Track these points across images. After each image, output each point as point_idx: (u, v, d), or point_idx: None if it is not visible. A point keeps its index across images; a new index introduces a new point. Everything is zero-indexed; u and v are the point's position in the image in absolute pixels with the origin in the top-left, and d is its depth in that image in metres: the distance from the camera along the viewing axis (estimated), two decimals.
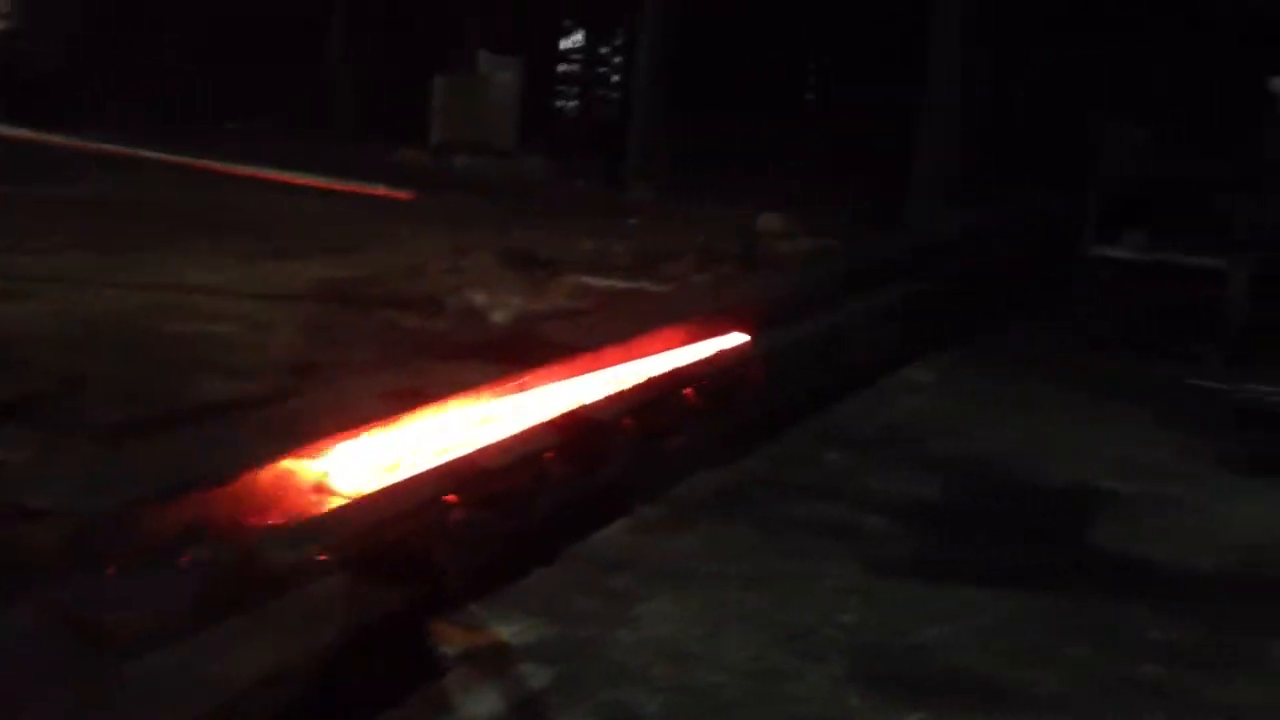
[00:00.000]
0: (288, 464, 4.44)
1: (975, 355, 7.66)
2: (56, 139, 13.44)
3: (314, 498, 4.26)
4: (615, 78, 23.35)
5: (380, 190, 12.77)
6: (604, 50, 23.99)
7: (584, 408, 5.40)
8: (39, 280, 6.76)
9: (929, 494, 5.16)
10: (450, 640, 3.49)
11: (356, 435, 4.77)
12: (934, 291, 9.48)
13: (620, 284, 9.34)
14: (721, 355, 6.55)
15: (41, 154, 12.89)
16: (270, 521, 4.03)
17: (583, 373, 6.09)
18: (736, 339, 7.02)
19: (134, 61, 19.22)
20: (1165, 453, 5.95)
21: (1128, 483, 5.46)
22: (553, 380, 5.89)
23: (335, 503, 4.19)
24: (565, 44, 23.84)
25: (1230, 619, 4.15)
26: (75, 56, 18.62)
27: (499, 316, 7.83)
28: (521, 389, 5.68)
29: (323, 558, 3.77)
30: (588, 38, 23.91)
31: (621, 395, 5.65)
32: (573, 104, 24.43)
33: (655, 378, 6.00)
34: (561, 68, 24.10)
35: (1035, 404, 6.69)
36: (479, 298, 8.18)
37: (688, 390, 6.03)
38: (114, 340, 6.27)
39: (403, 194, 12.54)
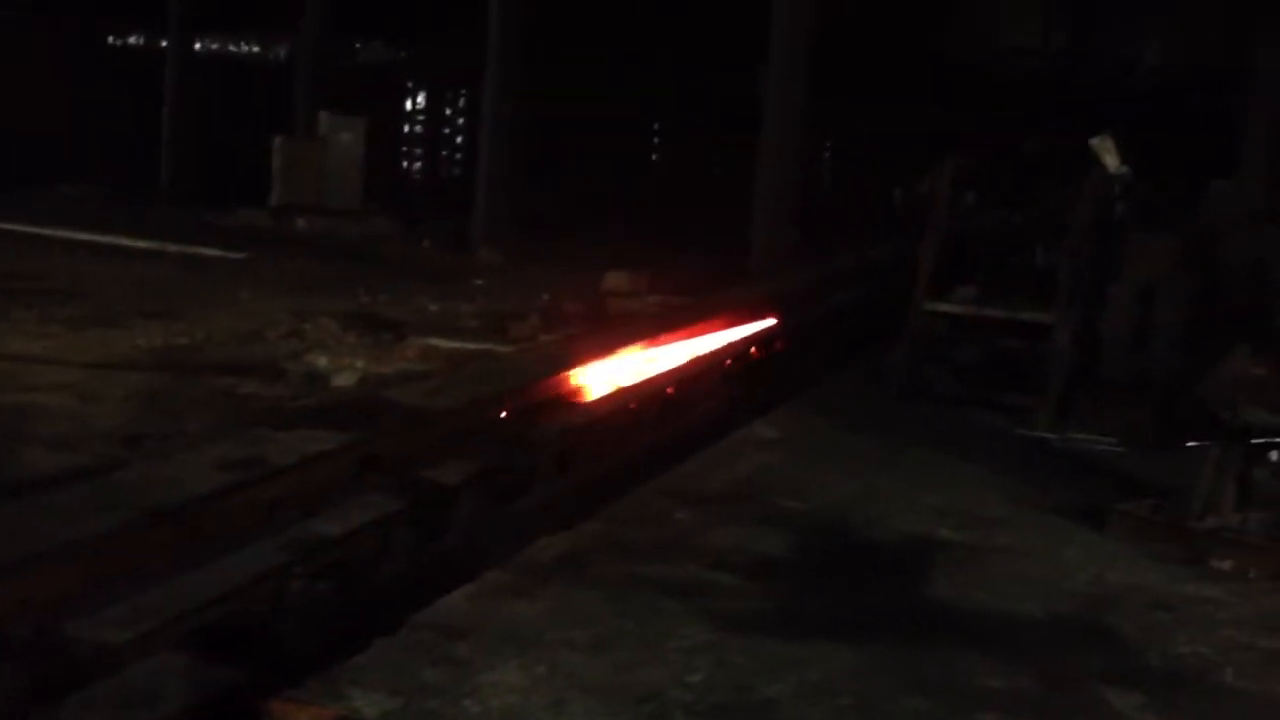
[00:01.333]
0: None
1: (817, 409, 7.78)
2: None
3: (144, 572, 4.11)
4: (459, 138, 23.37)
5: (213, 252, 12.54)
6: (448, 111, 24.00)
7: (429, 471, 5.33)
8: None
9: (775, 549, 5.20)
10: (292, 718, 3.38)
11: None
12: (776, 346, 9.66)
13: (467, 345, 9.31)
14: (570, 415, 6.55)
15: None
16: (97, 599, 3.88)
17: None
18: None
19: None
20: (999, 502, 6.11)
21: (964, 533, 5.59)
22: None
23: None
24: (408, 104, 23.79)
25: (1067, 666, 4.25)
26: None
27: (342, 381, 7.72)
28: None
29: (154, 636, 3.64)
30: (430, 98, 23.90)
31: (469, 457, 5.60)
32: (418, 164, 24.35)
33: (503, 439, 5.97)
34: (406, 128, 24.03)
35: (874, 458, 6.81)
36: (321, 362, 8.07)
37: (538, 451, 6.01)
38: None
39: (238, 255, 12.35)
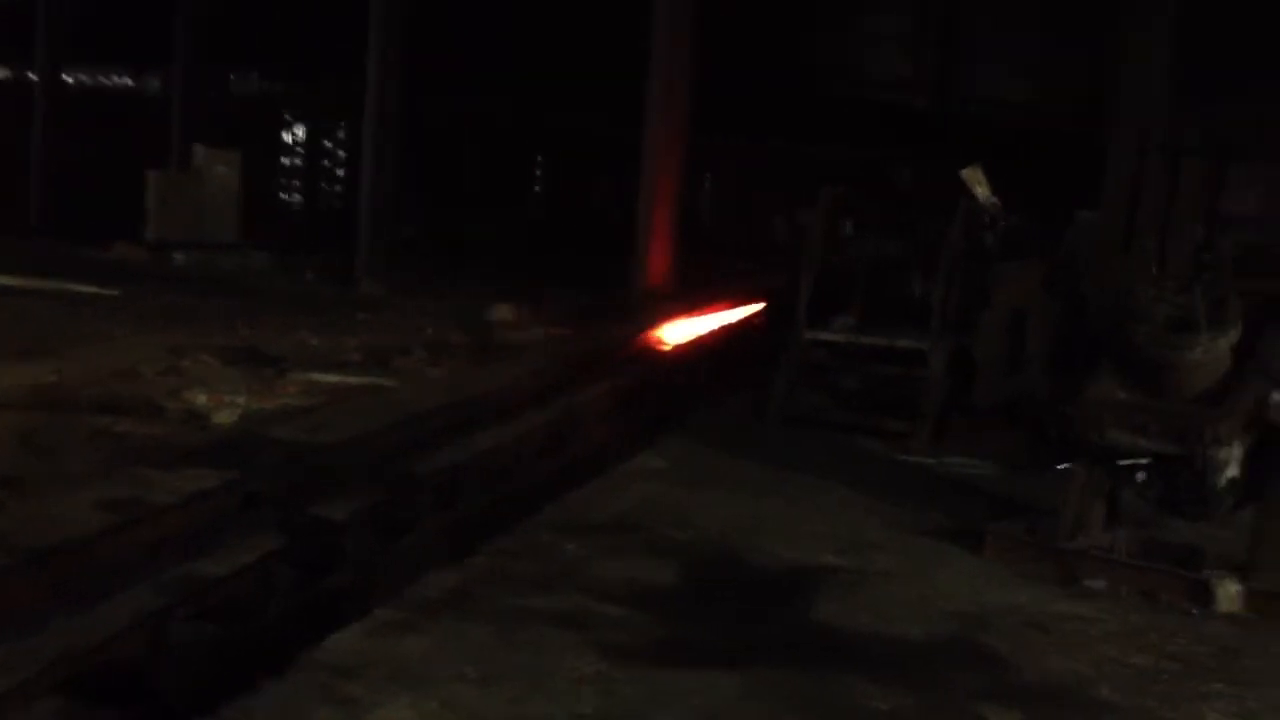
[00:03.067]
0: None
1: (702, 439, 7.88)
2: None
3: (22, 617, 4.02)
4: (339, 171, 23.18)
5: (87, 288, 12.25)
6: (327, 143, 23.79)
7: (314, 507, 5.29)
8: None
9: (662, 579, 5.26)
10: None
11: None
12: (661, 376, 9.75)
13: (351, 379, 9.23)
14: (455, 450, 6.53)
15: None
16: None
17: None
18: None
19: None
20: (877, 527, 6.25)
21: (845, 557, 5.71)
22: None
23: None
24: (287, 137, 23.55)
25: (945, 685, 4.38)
26: None
27: (222, 418, 7.60)
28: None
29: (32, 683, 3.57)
30: (310, 131, 23.69)
31: (354, 493, 5.56)
32: (297, 197, 24.08)
33: (387, 478, 5.94)
34: (285, 161, 23.77)
35: (757, 485, 6.92)
36: (200, 399, 7.93)
37: (422, 486, 5.99)
38: None
39: (113, 290, 12.08)
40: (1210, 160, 7.76)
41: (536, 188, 24.33)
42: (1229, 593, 5.32)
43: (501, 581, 4.95)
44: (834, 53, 18.17)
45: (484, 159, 21.56)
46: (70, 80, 21.68)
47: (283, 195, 23.60)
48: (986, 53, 17.16)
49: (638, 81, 13.05)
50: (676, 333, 10.89)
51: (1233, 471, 5.82)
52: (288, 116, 23.28)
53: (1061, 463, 6.72)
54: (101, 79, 22.85)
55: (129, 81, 22.86)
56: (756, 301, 12.06)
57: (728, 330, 11.67)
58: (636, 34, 13.06)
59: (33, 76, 20.50)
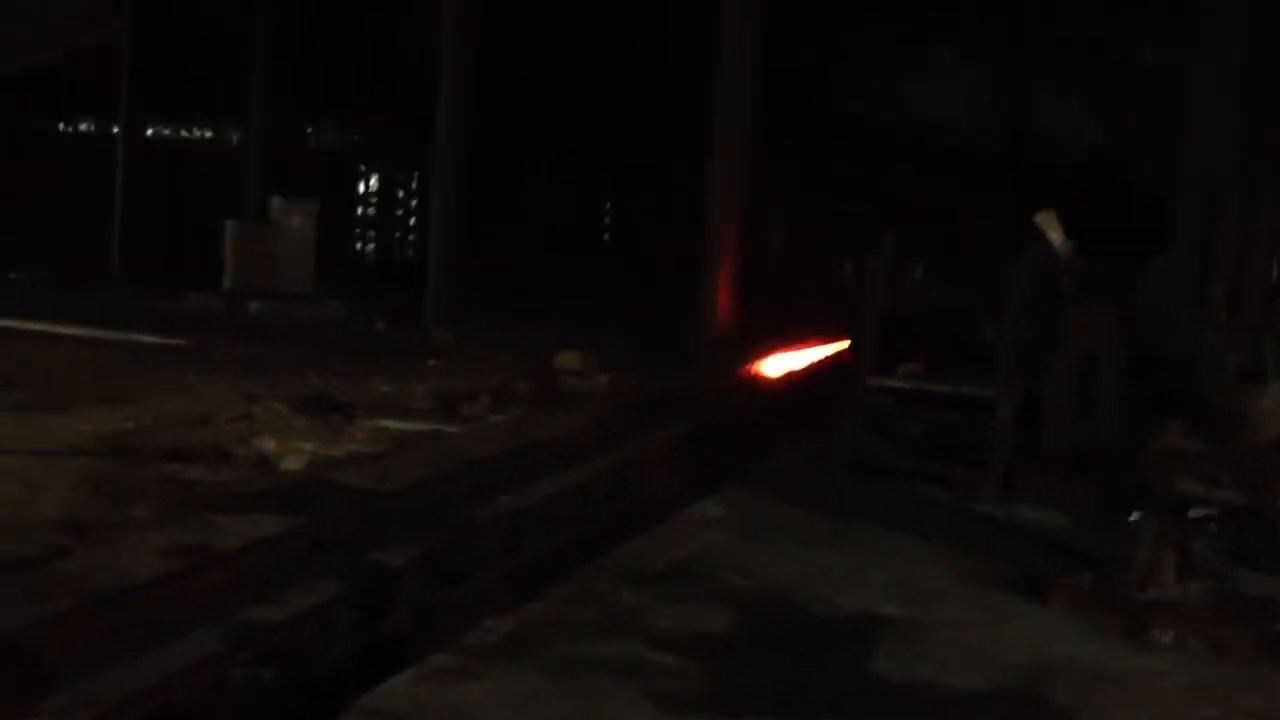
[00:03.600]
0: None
1: (763, 486, 7.83)
2: None
3: (90, 662, 4.08)
4: (411, 220, 23.50)
5: (164, 338, 12.51)
6: (400, 193, 24.15)
7: (374, 554, 5.32)
8: None
9: (720, 628, 5.22)
10: None
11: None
12: (724, 424, 9.72)
13: (418, 426, 9.31)
14: (515, 496, 6.55)
15: None
16: (37, 691, 3.84)
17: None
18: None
19: None
20: (942, 576, 6.16)
21: (908, 608, 5.62)
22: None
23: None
24: (361, 187, 23.94)
25: None
26: None
27: (291, 464, 7.69)
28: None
29: None
30: (383, 181, 24.06)
31: (414, 540, 5.59)
32: (371, 246, 24.45)
33: (449, 523, 5.97)
34: (358, 210, 24.16)
35: (819, 534, 6.85)
36: (270, 445, 8.04)
37: (481, 533, 6.01)
38: None
39: (189, 339, 12.32)
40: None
41: (606, 235, 24.47)
42: None
43: (557, 628, 4.94)
44: (896, 93, 18.18)
45: (554, 207, 21.74)
46: (151, 133, 22.25)
47: (357, 244, 23.97)
48: (1052, 96, 17.08)
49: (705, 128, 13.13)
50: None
51: None
52: (362, 166, 23.68)
53: (1132, 512, 6.60)
54: (182, 131, 23.42)
55: (208, 134, 23.40)
56: (822, 346, 12.02)
57: (792, 377, 11.63)
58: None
59: (115, 129, 21.05)
